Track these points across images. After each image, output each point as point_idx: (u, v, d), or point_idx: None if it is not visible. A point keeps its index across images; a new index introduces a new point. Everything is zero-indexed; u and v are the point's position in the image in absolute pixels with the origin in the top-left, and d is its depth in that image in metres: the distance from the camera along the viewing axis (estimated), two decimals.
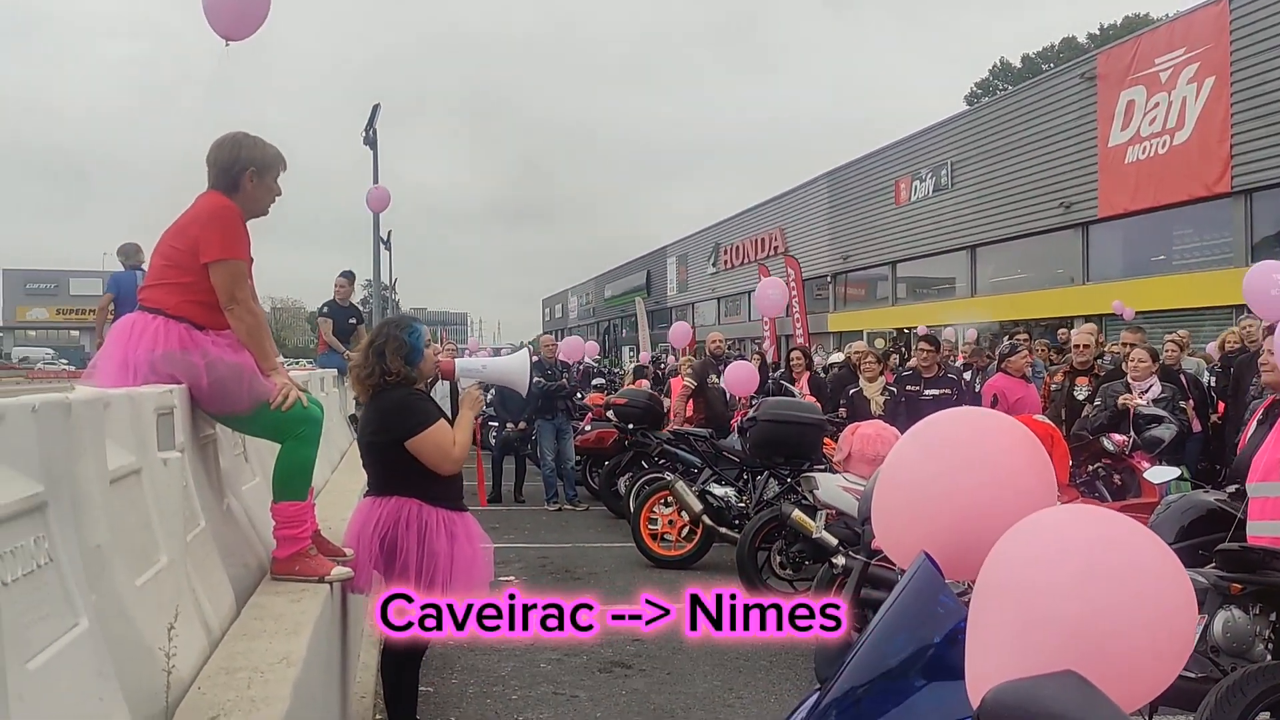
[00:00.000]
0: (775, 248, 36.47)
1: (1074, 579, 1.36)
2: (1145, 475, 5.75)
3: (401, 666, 4.13)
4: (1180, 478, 5.57)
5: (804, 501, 7.27)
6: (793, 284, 26.87)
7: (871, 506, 2.21)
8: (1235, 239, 19.11)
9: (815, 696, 1.97)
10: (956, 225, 27.04)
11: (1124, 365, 7.51)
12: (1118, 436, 6.07)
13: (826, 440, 6.99)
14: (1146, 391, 7.15)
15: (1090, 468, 5.96)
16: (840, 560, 5.34)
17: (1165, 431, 6.63)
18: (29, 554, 1.81)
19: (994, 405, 7.75)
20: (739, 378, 9.06)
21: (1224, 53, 18.68)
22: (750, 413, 7.11)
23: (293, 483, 3.49)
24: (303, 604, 3.15)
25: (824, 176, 34.35)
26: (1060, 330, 18.14)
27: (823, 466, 6.25)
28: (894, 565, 4.32)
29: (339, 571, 3.54)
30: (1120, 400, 7.02)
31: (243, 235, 3.56)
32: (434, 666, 5.39)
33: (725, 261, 41.78)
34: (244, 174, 3.57)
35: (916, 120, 29.77)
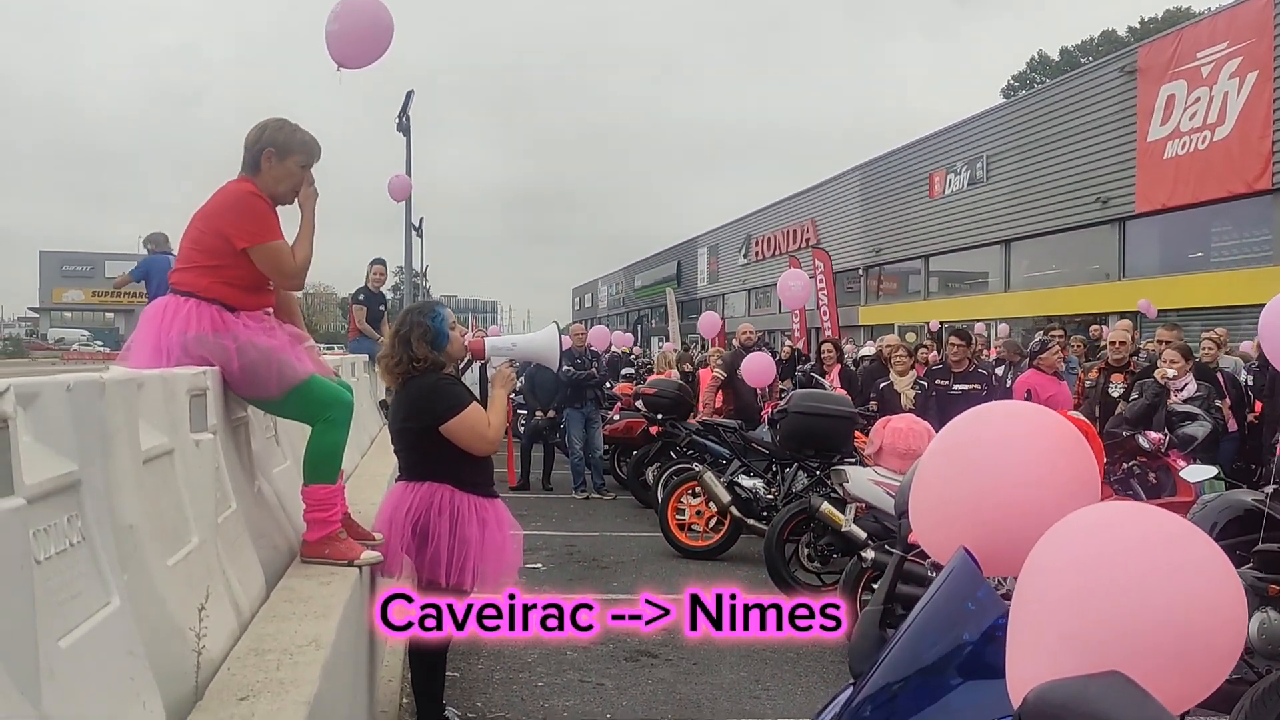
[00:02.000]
0: (807, 240, 36.28)
1: (1122, 577, 1.32)
2: (1181, 474, 5.65)
3: (430, 651, 4.14)
4: (1216, 477, 5.47)
5: (833, 495, 7.24)
6: (821, 276, 26.72)
7: (909, 501, 2.17)
8: (1275, 237, 18.78)
9: (849, 692, 1.94)
10: (991, 219, 26.76)
11: (1157, 372, 7.41)
12: (1153, 434, 5.97)
13: (857, 433, 6.93)
14: (1181, 390, 7.04)
15: (1125, 465, 5.87)
16: (870, 554, 5.29)
17: (1199, 429, 6.52)
18: (61, 532, 1.82)
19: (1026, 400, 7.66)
20: (756, 369, 9.00)
21: (1268, 47, 18.34)
22: (781, 404, 7.06)
23: (323, 466, 3.50)
24: (332, 587, 3.16)
25: (857, 169, 34.09)
26: (1093, 327, 17.93)
27: (853, 460, 6.19)
28: (925, 561, 4.33)
29: (369, 555, 3.55)
30: (1157, 375, 6.93)
31: (269, 215, 3.56)
32: (460, 652, 5.40)
33: (756, 253, 41.62)
34: (263, 154, 3.57)
35: (952, 116, 29.41)
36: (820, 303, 26.18)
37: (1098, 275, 23.32)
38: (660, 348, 22.15)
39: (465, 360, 4.33)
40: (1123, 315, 21.49)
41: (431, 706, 4.14)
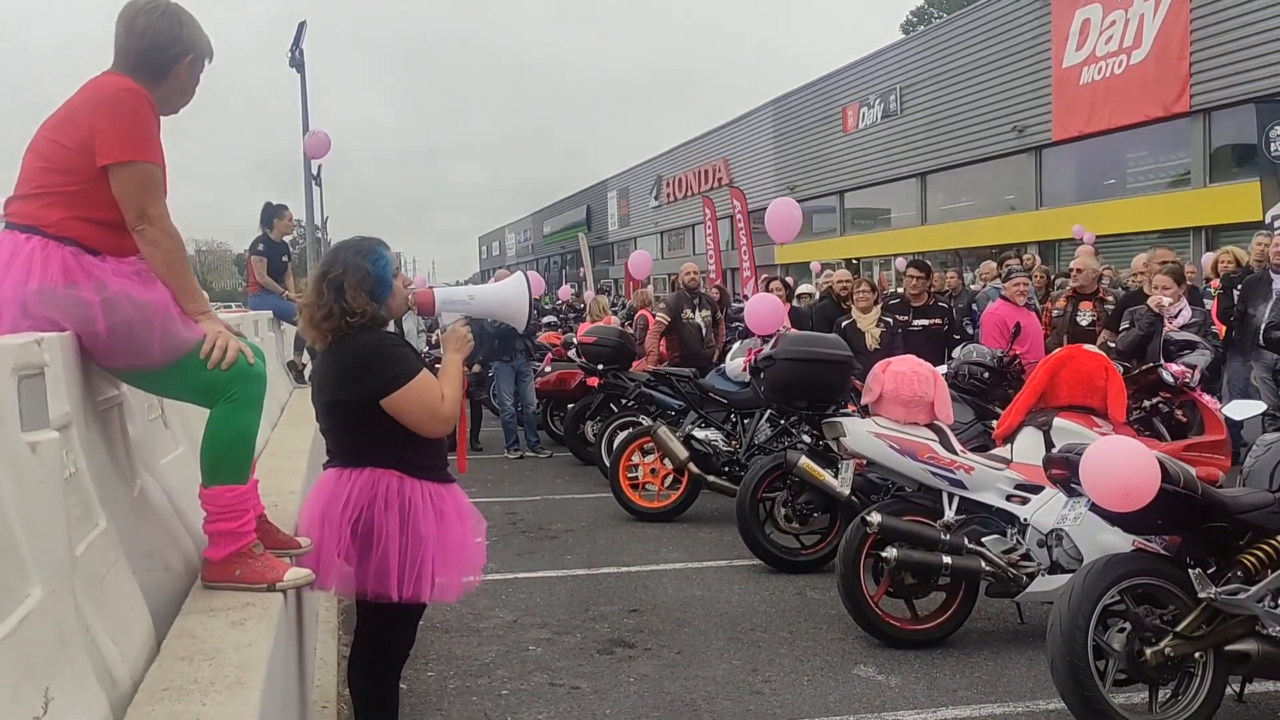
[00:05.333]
0: (719, 179, 35.56)
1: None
2: (1225, 410, 5.13)
3: (378, 676, 3.30)
4: (1265, 413, 4.93)
5: (801, 445, 6.56)
6: (739, 216, 26.08)
7: None
8: (1194, 160, 18.72)
9: None
10: (906, 152, 26.38)
11: (1149, 300, 6.88)
12: (1175, 367, 5.41)
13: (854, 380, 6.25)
14: (1176, 316, 6.53)
15: (1147, 402, 5.33)
16: (876, 518, 4.60)
17: (1200, 358, 6.00)
18: None
19: (1015, 335, 7.08)
20: (763, 313, 7.80)
21: None
22: (766, 349, 6.32)
23: (228, 461, 2.61)
24: (249, 629, 2.30)
25: (769, 105, 33.39)
26: (1009, 256, 17.57)
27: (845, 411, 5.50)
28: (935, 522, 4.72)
29: (295, 575, 2.68)
30: (1151, 302, 6.45)
31: (154, 130, 2.63)
32: None
33: (668, 194, 40.77)
34: (181, 60, 2.69)
35: (855, 53, 28.80)
36: (740, 242, 25.61)
37: (1015, 205, 23.16)
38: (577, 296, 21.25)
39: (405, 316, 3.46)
40: (1041, 245, 21.48)
41: None
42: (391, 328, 3.31)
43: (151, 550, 2.62)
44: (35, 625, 1.70)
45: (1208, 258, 11.72)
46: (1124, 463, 3.46)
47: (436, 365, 3.31)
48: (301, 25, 17.69)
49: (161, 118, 2.72)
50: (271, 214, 8.89)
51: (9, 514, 1.73)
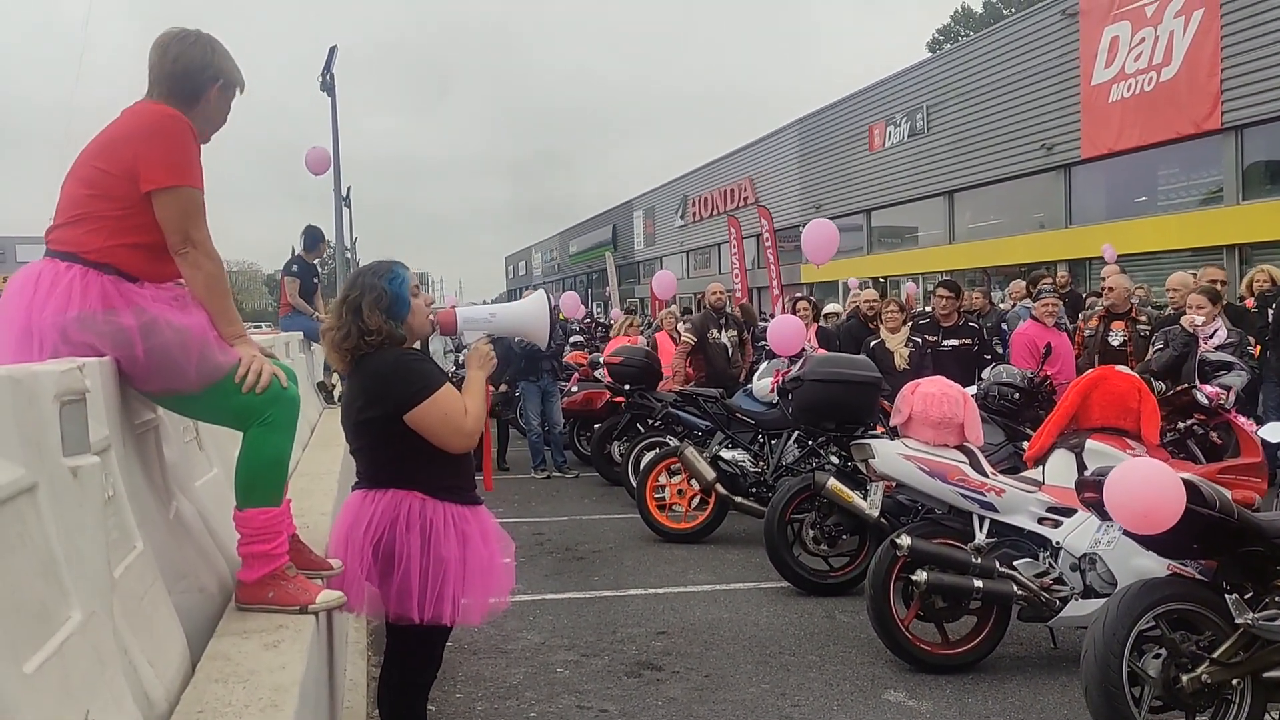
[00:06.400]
0: (745, 199, 35.59)
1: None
2: (1261, 432, 5.06)
3: (406, 698, 3.32)
4: None
5: (827, 466, 6.54)
6: (766, 235, 26.08)
7: None
8: (1226, 177, 18.54)
9: None
10: (933, 171, 26.29)
11: (1184, 319, 6.80)
12: (1209, 388, 5.35)
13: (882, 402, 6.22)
14: (1211, 336, 6.46)
15: (1181, 424, 5.26)
16: (906, 541, 4.57)
17: (1236, 379, 5.93)
18: None
19: (1046, 356, 7.03)
20: (785, 335, 7.76)
21: None
22: (794, 371, 6.31)
23: (262, 483, 2.64)
24: (282, 651, 2.32)
25: (794, 124, 33.40)
26: (1040, 276, 17.42)
27: (875, 433, 5.47)
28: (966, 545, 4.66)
29: (326, 597, 2.70)
30: (1184, 321, 6.36)
31: (195, 155, 2.69)
32: None
33: (694, 214, 40.83)
34: (213, 85, 2.75)
35: (882, 72, 28.76)
36: (767, 261, 25.61)
37: (1044, 223, 23.01)
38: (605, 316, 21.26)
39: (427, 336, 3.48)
40: (1071, 264, 21.31)
41: None
42: (416, 347, 3.33)
43: (186, 572, 2.65)
44: (75, 648, 1.72)
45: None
46: (1145, 484, 3.42)
47: (462, 383, 3.34)
48: (332, 50, 17.94)
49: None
50: (318, 239, 8.99)
51: (50, 538, 1.76)
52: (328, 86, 17.91)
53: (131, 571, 2.18)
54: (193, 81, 2.72)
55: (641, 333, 13.51)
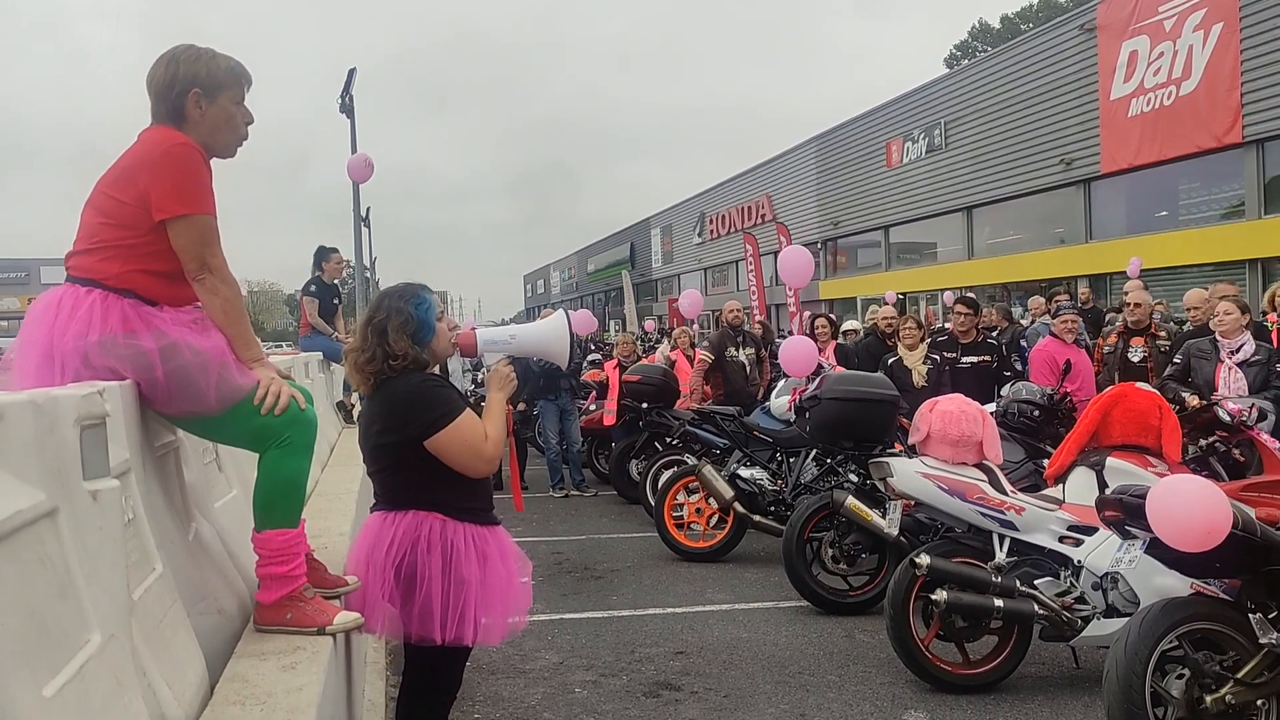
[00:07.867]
0: (763, 216, 35.63)
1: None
2: None
3: (425, 718, 3.32)
4: None
5: (847, 485, 6.51)
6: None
7: None
8: (1248, 191, 18.42)
9: None
10: (951, 186, 26.25)
11: (1211, 322, 6.73)
12: (1232, 405, 5.30)
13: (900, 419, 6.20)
14: (1238, 351, 6.39)
15: (1204, 441, 5.21)
16: (925, 560, 4.54)
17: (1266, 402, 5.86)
18: None
19: (1065, 372, 6.99)
20: (797, 355, 7.69)
21: None
22: (811, 389, 6.30)
23: (280, 505, 2.66)
24: (299, 673, 2.33)
25: (812, 141, 33.46)
26: (1059, 292, 17.33)
27: (893, 451, 5.46)
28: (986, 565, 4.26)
29: (344, 619, 2.72)
30: (1213, 324, 6.25)
31: (206, 181, 2.70)
32: None
33: (711, 231, 40.91)
34: (185, 97, 2.69)
35: (899, 88, 28.81)
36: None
37: (1064, 238, 22.91)
38: (619, 333, 21.26)
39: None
40: (1091, 279, 21.19)
41: None
42: (436, 370, 3.35)
43: (205, 593, 2.67)
44: (94, 670, 1.74)
45: None
46: (1196, 500, 3.37)
47: (481, 404, 3.35)
48: (351, 72, 18.14)
49: (220, 157, 2.80)
50: (322, 256, 9.07)
51: (70, 562, 1.78)
52: (347, 108, 18.10)
53: (151, 593, 2.20)
54: (166, 102, 2.70)
55: (643, 353, 13.41)
